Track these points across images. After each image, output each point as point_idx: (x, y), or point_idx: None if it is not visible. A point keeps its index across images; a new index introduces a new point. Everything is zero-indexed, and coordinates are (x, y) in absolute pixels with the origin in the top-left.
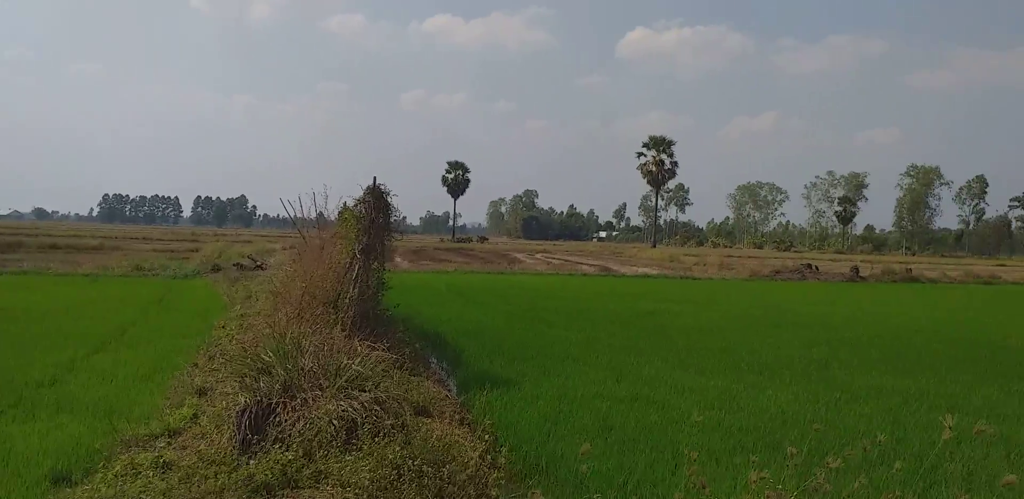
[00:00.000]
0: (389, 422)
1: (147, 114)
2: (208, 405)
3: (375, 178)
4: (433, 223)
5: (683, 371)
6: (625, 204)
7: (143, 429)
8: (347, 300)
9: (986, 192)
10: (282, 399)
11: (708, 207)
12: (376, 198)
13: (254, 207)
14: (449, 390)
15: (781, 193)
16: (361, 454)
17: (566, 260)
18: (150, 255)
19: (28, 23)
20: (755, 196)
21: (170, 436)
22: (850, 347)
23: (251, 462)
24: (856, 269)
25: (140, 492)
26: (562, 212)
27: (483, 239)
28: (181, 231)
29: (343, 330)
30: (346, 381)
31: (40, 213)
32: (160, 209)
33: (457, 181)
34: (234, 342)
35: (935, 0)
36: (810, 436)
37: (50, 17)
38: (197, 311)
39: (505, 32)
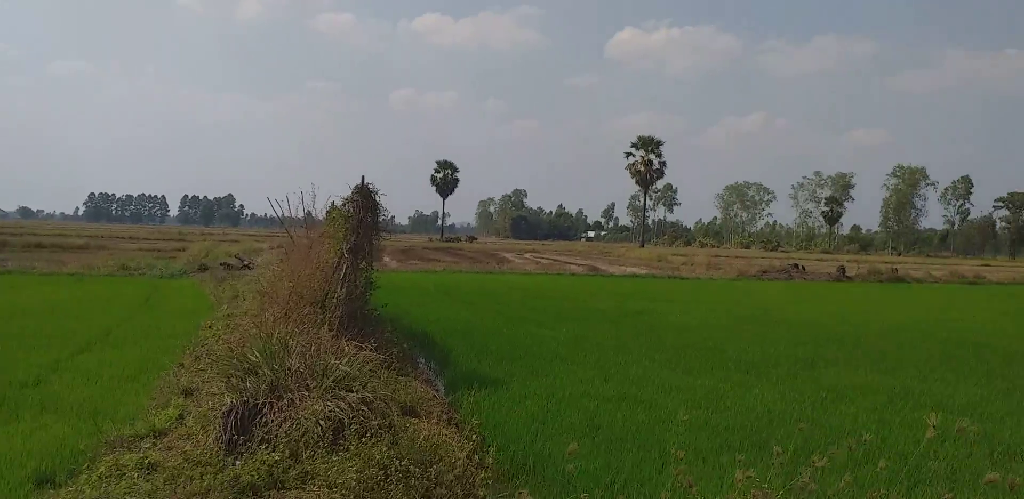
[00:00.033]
0: (376, 422)
1: (134, 112)
2: (194, 405)
3: (363, 177)
4: (422, 222)
5: (670, 370)
6: (614, 204)
7: (128, 430)
8: (335, 300)
9: (971, 192)
10: (269, 399)
11: (696, 207)
12: (364, 197)
13: (241, 206)
14: (437, 390)
15: (768, 193)
16: (348, 455)
17: (555, 260)
18: (136, 254)
19: (12, 21)
20: (743, 196)
21: (155, 437)
22: (836, 346)
23: (237, 463)
24: (843, 269)
25: (125, 493)
26: (551, 212)
27: (472, 239)
28: (168, 230)
29: (330, 330)
30: (333, 381)
31: (25, 212)
32: (147, 208)
33: (446, 180)
34: (221, 342)
35: (921, 2)
36: (796, 435)
37: (35, 14)
38: (183, 311)
39: (495, 31)
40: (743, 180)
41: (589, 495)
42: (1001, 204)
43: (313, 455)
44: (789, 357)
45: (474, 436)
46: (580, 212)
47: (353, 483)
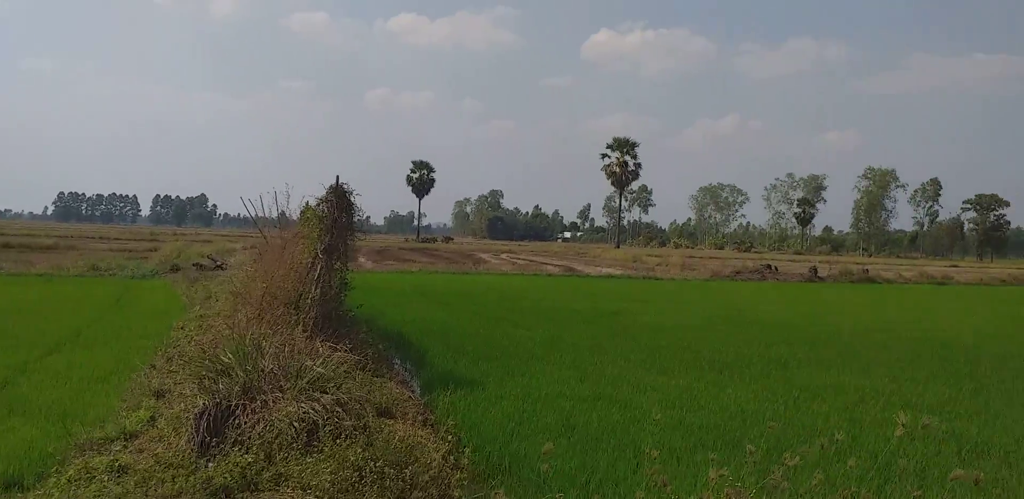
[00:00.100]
0: (351, 424)
1: (105, 110)
2: (166, 407)
3: (338, 177)
4: (398, 223)
5: (645, 370)
6: (590, 205)
7: (98, 432)
8: (309, 301)
9: (940, 194)
10: (242, 401)
11: (670, 208)
12: (339, 197)
13: (214, 206)
14: (413, 391)
15: (742, 195)
16: (322, 456)
17: (531, 260)
18: (107, 255)
19: None
20: (716, 198)
21: (126, 439)
22: (808, 346)
23: (210, 465)
24: (814, 270)
25: (95, 497)
26: (527, 213)
27: (448, 239)
28: (139, 230)
29: (304, 331)
30: (307, 383)
31: None
32: (118, 208)
33: (422, 181)
34: (193, 343)
35: (892, 7)
36: (768, 434)
37: (3, 10)
38: (155, 312)
39: (471, 32)
40: (717, 182)
41: (564, 495)
42: (969, 206)
43: (287, 457)
44: (762, 357)
45: (449, 437)
46: (556, 213)
47: (327, 485)
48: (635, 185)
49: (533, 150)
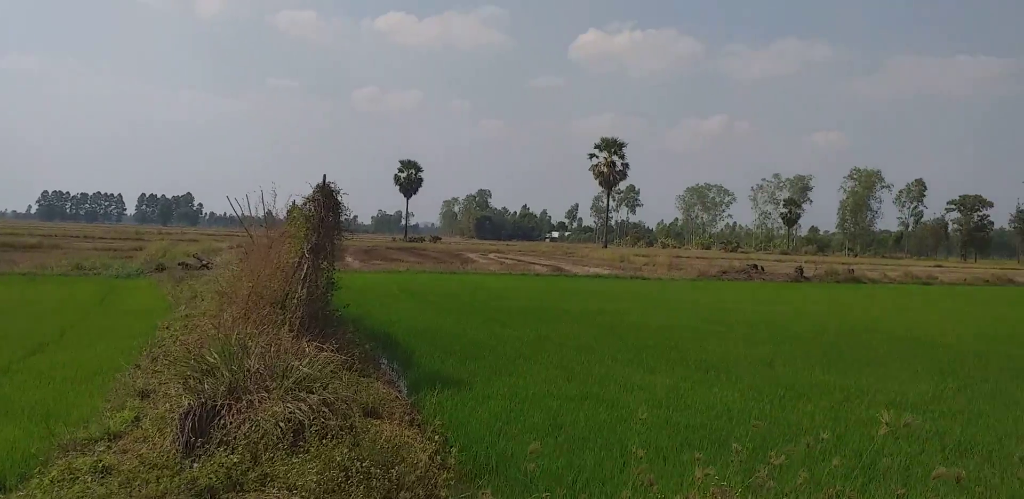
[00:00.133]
0: (337, 424)
1: (89, 109)
2: (150, 408)
3: (325, 176)
4: (385, 222)
5: (632, 369)
6: (577, 205)
7: (82, 433)
8: (295, 300)
9: (924, 195)
10: (227, 401)
11: (658, 208)
12: (326, 196)
13: (200, 205)
14: (400, 391)
15: (729, 195)
16: (308, 456)
17: (519, 260)
18: (91, 254)
19: None
20: (703, 198)
21: (110, 440)
22: (794, 345)
23: (195, 465)
24: (800, 269)
25: (78, 498)
26: (515, 212)
27: (436, 239)
28: (124, 229)
29: (291, 331)
30: (293, 383)
31: None
32: (102, 206)
33: (410, 180)
34: (178, 343)
35: (877, 8)
36: (755, 433)
37: None
38: (140, 311)
39: (459, 31)
40: (704, 182)
41: (551, 494)
42: (953, 207)
43: (273, 457)
44: (748, 356)
45: (436, 436)
46: (544, 213)
47: (313, 485)
48: (623, 185)
49: (521, 150)
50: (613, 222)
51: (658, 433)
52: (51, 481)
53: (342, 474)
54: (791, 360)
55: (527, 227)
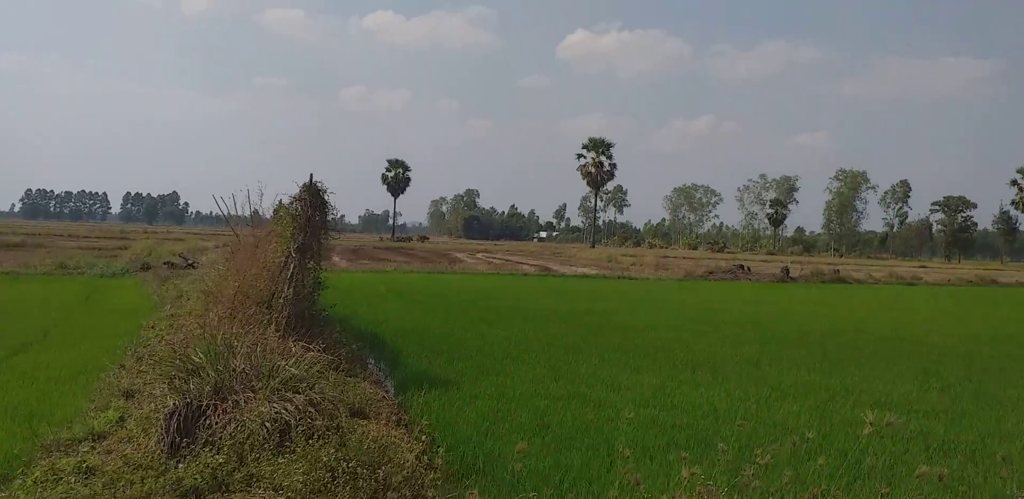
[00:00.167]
0: (324, 424)
1: (74, 107)
2: (135, 408)
3: (312, 175)
4: (372, 222)
5: (619, 369)
6: (565, 205)
7: (65, 433)
8: (282, 300)
9: (909, 196)
10: (213, 401)
11: (645, 208)
12: (313, 196)
13: (186, 204)
14: (387, 391)
15: (715, 195)
16: (294, 457)
17: (507, 260)
18: (76, 253)
19: None
20: (690, 198)
21: (94, 440)
22: (780, 345)
23: (180, 466)
24: (786, 270)
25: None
26: (503, 212)
27: (423, 238)
28: (109, 228)
29: (277, 330)
30: (280, 383)
31: None
32: (87, 205)
33: (397, 179)
34: (163, 343)
35: (863, 10)
36: (740, 432)
37: None
38: (125, 311)
39: (447, 31)
40: (691, 182)
41: (538, 494)
42: (937, 208)
43: (259, 457)
44: (734, 356)
45: (423, 436)
46: (532, 213)
47: (299, 485)
48: (610, 185)
49: (509, 150)
50: (601, 222)
51: (645, 433)
52: (34, 482)
53: (328, 474)
54: (777, 360)
55: (515, 227)
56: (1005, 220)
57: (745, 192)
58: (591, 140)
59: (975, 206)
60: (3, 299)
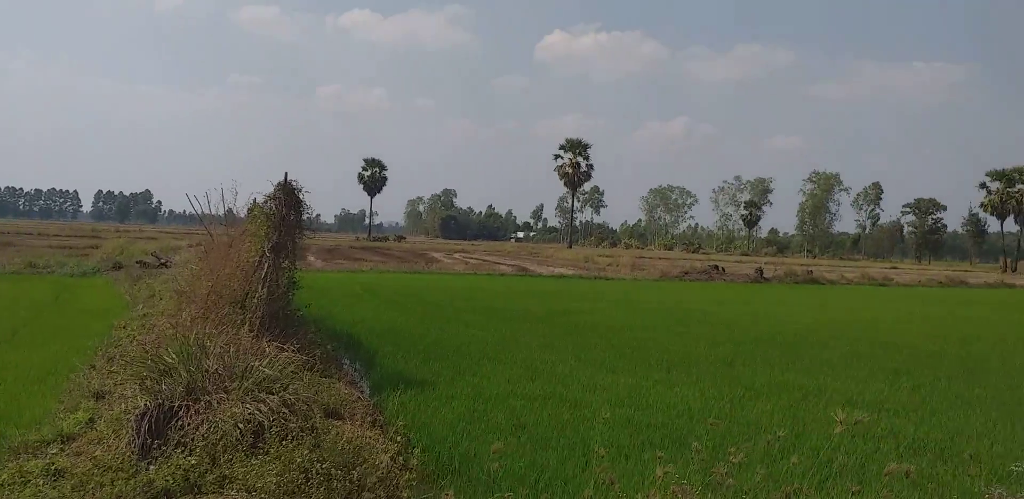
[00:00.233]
0: (298, 425)
1: (44, 103)
2: (106, 409)
3: (286, 174)
4: (348, 221)
5: (595, 369)
6: (542, 205)
7: (34, 435)
8: (255, 300)
9: (881, 198)
10: (185, 402)
11: (622, 209)
12: (287, 194)
13: (159, 202)
14: (362, 392)
15: (691, 197)
16: (268, 458)
17: (484, 260)
18: (45, 251)
19: None
20: (666, 199)
21: (63, 442)
22: (753, 345)
23: (151, 468)
24: (760, 271)
25: None
26: (481, 212)
27: (400, 238)
28: (80, 226)
29: (251, 331)
30: (253, 383)
31: None
32: (57, 203)
33: (374, 179)
34: (135, 343)
35: (837, 15)
36: (714, 431)
37: None
38: (96, 311)
39: (424, 30)
40: (667, 183)
41: (514, 494)
42: (908, 210)
43: (232, 459)
44: (709, 356)
45: (399, 437)
46: (510, 213)
47: (273, 486)
48: (587, 186)
49: (487, 149)
50: (578, 223)
51: (620, 432)
52: (1, 485)
53: (302, 475)
54: (750, 360)
55: (492, 227)
56: (974, 222)
57: (720, 194)
58: (568, 141)
59: (945, 208)
60: None
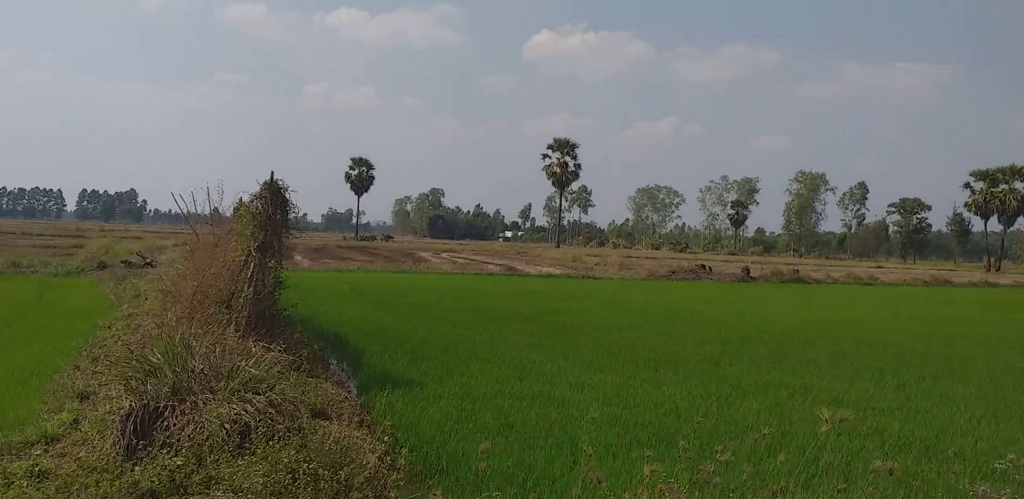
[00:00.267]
0: (284, 425)
1: (29, 102)
2: (90, 410)
3: (272, 173)
4: (336, 220)
5: (583, 368)
6: (530, 204)
7: (17, 436)
8: (242, 299)
9: (867, 198)
10: (171, 402)
11: (609, 209)
12: (273, 194)
13: (144, 202)
14: (349, 392)
15: (678, 196)
16: (255, 458)
17: (472, 259)
18: (29, 251)
19: None
20: (653, 199)
21: (47, 443)
22: (740, 344)
23: (136, 469)
24: (747, 270)
25: None
26: (469, 211)
27: (388, 237)
28: (64, 226)
29: (237, 331)
30: (239, 383)
31: None
32: (41, 202)
33: (361, 178)
34: (120, 343)
35: (822, 16)
36: (701, 430)
37: None
38: (80, 311)
39: (412, 29)
40: (654, 183)
41: (502, 493)
42: (894, 209)
43: (218, 459)
44: (696, 355)
45: (386, 437)
46: (498, 212)
47: (260, 487)
48: (575, 185)
49: (475, 149)
50: (565, 222)
51: (607, 431)
52: None
53: (289, 476)
54: (737, 359)
55: (480, 226)
56: (958, 222)
57: (707, 193)
58: (556, 140)
59: (930, 208)
60: None
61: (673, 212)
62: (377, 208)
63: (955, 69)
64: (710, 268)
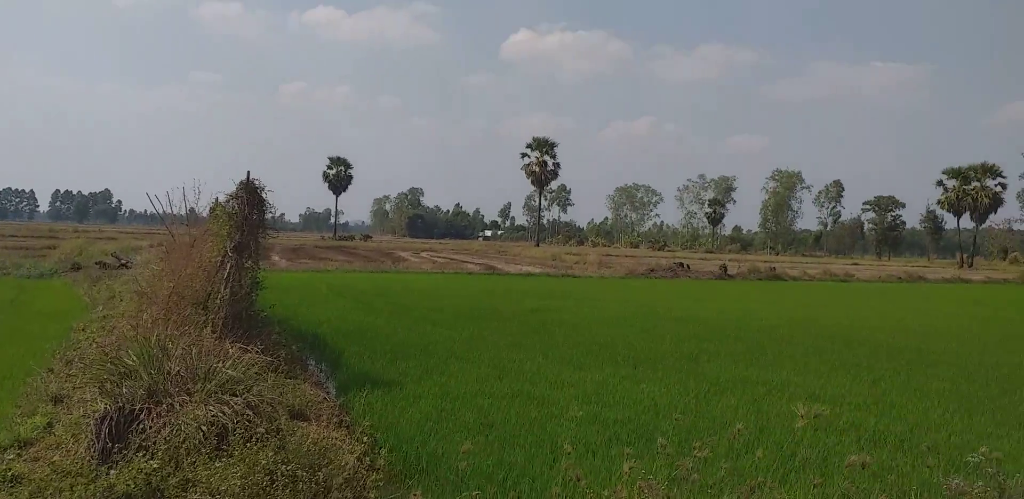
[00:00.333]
0: (262, 427)
1: None
2: (64, 413)
3: (248, 173)
4: (314, 220)
5: (563, 366)
6: (510, 203)
7: None
8: (218, 300)
9: (842, 196)
10: (147, 405)
11: (588, 207)
12: (250, 193)
13: (119, 202)
14: (328, 392)
15: (656, 195)
16: (232, 460)
17: (451, 259)
18: (1, 253)
19: None
20: (632, 197)
21: (20, 447)
22: (718, 341)
23: (111, 472)
24: (724, 267)
25: None
26: (448, 211)
27: (367, 237)
28: (37, 227)
29: (214, 332)
30: (216, 385)
31: None
32: (13, 203)
33: (339, 177)
34: (94, 345)
35: (798, 16)
36: (680, 426)
37: None
38: (54, 313)
39: (390, 27)
40: (632, 182)
41: (482, 493)
42: (868, 207)
43: (195, 462)
44: (674, 352)
45: (365, 438)
46: (477, 211)
47: (237, 489)
48: (554, 184)
49: (453, 148)
50: (545, 221)
51: (587, 429)
52: None
53: (267, 478)
54: (715, 356)
55: (460, 225)
56: (932, 219)
57: (685, 192)
58: (535, 139)
59: (904, 206)
60: None
61: (651, 211)
62: (355, 208)
63: (929, 69)
64: (688, 266)
